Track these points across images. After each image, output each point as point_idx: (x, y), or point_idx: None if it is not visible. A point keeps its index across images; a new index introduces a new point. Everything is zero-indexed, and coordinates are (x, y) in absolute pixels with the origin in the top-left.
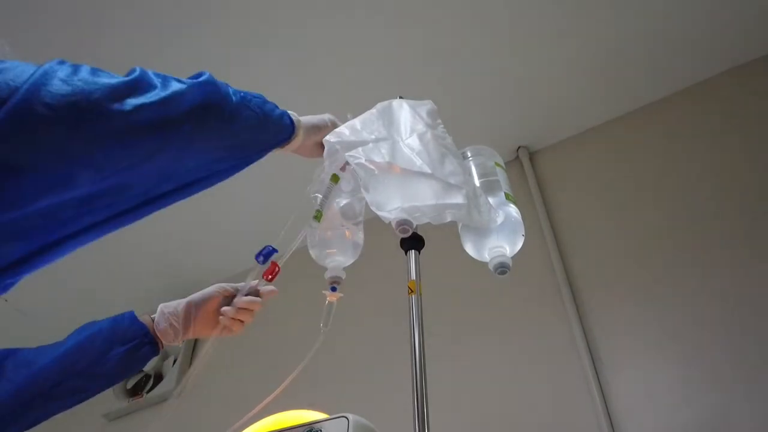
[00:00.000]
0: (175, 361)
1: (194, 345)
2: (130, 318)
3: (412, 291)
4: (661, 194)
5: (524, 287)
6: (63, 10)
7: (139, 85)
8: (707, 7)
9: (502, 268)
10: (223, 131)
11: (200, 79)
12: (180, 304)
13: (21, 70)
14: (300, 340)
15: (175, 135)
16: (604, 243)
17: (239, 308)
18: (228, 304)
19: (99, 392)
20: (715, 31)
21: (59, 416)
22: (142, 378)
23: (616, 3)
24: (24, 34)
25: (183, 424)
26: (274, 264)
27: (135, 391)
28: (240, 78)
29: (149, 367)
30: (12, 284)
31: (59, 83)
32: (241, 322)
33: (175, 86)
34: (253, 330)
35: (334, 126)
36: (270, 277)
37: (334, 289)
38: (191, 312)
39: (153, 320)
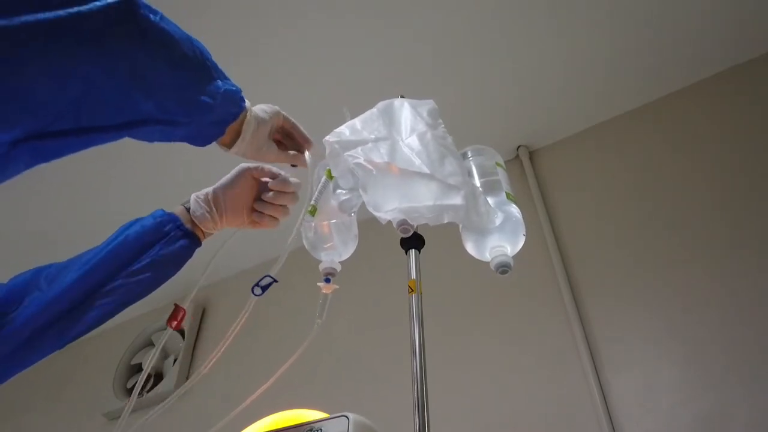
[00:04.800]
0: (175, 361)
1: (194, 344)
2: (160, 213)
3: (412, 290)
4: (661, 193)
5: (524, 287)
6: None
7: None
8: (706, 7)
9: (503, 268)
10: (127, 51)
11: None
12: (208, 191)
13: None
14: (300, 339)
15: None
16: (604, 242)
17: (276, 195)
18: (257, 188)
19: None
20: (715, 31)
21: (59, 415)
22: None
23: (615, 3)
24: None
25: (182, 423)
26: (178, 308)
27: None
28: (238, 78)
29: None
30: None
31: None
32: (274, 218)
33: None
34: (253, 329)
35: (278, 117)
36: (175, 323)
37: (328, 281)
38: (219, 197)
39: (188, 210)
